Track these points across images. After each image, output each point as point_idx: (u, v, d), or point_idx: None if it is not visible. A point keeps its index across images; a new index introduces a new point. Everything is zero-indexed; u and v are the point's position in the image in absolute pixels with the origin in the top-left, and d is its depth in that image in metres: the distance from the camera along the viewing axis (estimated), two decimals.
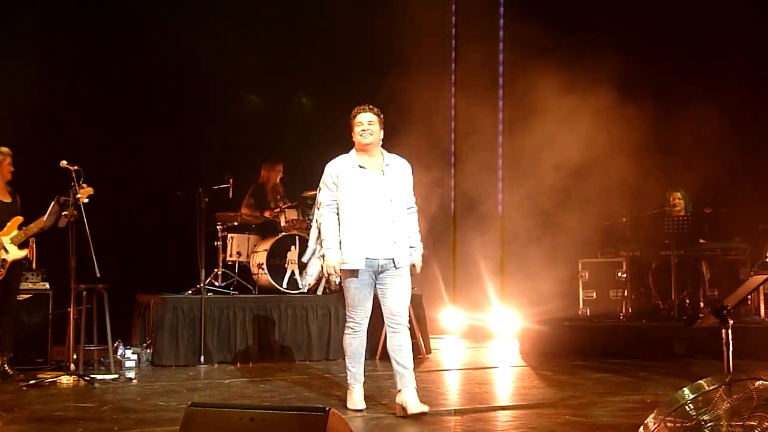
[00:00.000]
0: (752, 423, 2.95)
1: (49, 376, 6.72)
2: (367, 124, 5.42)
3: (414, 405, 5.22)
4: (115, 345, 7.64)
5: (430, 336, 8.95)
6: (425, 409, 5.22)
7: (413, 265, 5.55)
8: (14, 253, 7.01)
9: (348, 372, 5.54)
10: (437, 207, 10.84)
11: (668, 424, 3.02)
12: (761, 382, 2.90)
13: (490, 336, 10.64)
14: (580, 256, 9.72)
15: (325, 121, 10.22)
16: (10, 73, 8.93)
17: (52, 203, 6.89)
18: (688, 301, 8.73)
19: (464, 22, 11.59)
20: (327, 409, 3.19)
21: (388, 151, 5.59)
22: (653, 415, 3.09)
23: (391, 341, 5.41)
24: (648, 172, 9.52)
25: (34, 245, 7.40)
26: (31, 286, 7.59)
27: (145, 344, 7.97)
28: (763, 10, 9.60)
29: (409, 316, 5.64)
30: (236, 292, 8.77)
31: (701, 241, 8.94)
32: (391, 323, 5.41)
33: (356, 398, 5.49)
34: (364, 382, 5.59)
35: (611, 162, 9.66)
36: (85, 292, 7.06)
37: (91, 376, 6.81)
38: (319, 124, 10.43)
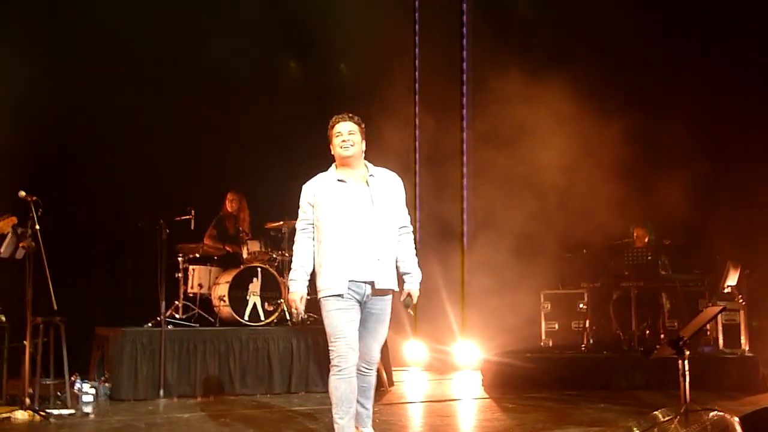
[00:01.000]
0: None
1: (3, 411, 6.57)
2: (347, 134, 4.82)
3: None
4: (72, 379, 7.49)
5: (392, 368, 8.93)
6: None
7: (409, 295, 4.97)
8: None
9: (335, 425, 4.72)
10: None
11: None
12: (715, 413, 2.94)
13: (453, 368, 10.63)
14: (542, 287, 9.79)
15: (290, 152, 10.23)
16: None
17: (9, 234, 6.78)
18: (648, 331, 8.81)
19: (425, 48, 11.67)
20: None
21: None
22: None
23: (357, 381, 4.83)
24: (611, 205, 9.64)
25: None
26: None
27: (103, 378, 7.83)
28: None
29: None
30: (197, 325, 8.68)
31: (662, 272, 9.05)
32: (362, 366, 4.86)
33: None
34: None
35: (573, 195, 9.80)
36: (42, 325, 6.93)
37: (47, 411, 6.65)
38: (284, 154, 10.41)
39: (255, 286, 8.66)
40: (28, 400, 6.63)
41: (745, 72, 9.84)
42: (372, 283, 4.74)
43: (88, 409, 6.94)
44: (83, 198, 9.77)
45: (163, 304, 8.04)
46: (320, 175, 4.96)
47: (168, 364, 7.81)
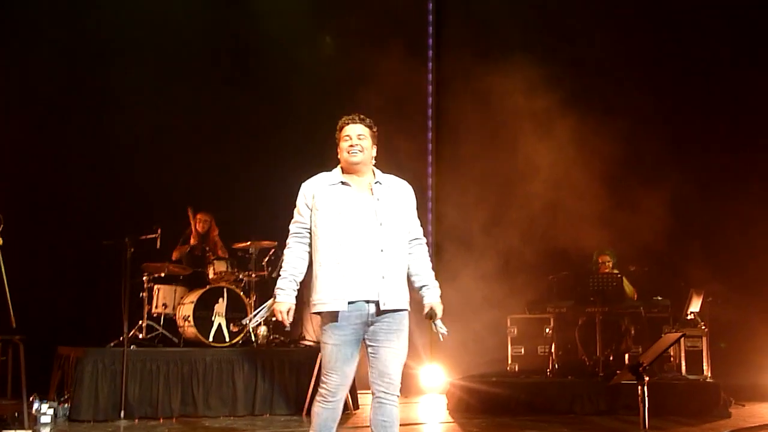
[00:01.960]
0: None
1: None
2: (356, 138, 4.34)
3: None
4: (31, 399, 7.35)
5: (358, 391, 8.87)
6: None
7: (432, 309, 4.54)
8: None
9: None
10: None
11: None
12: None
13: (419, 391, 10.59)
14: (508, 312, 9.81)
15: (257, 171, 10.21)
16: None
17: None
18: (611, 357, 8.86)
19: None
20: None
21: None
22: None
23: (376, 414, 4.37)
24: (577, 230, 9.71)
25: None
26: None
27: (62, 398, 7.70)
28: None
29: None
30: (161, 345, 8.57)
31: (626, 298, 9.13)
32: (380, 390, 4.34)
33: None
34: None
35: (540, 220, 9.86)
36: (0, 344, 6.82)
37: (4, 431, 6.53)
38: (252, 174, 10.37)
39: (221, 306, 8.59)
40: None
41: (708, 99, 10.08)
42: (376, 303, 4.26)
43: (45, 430, 6.84)
44: (47, 215, 9.66)
45: (127, 323, 7.94)
46: (322, 175, 4.45)
47: (130, 385, 7.68)
